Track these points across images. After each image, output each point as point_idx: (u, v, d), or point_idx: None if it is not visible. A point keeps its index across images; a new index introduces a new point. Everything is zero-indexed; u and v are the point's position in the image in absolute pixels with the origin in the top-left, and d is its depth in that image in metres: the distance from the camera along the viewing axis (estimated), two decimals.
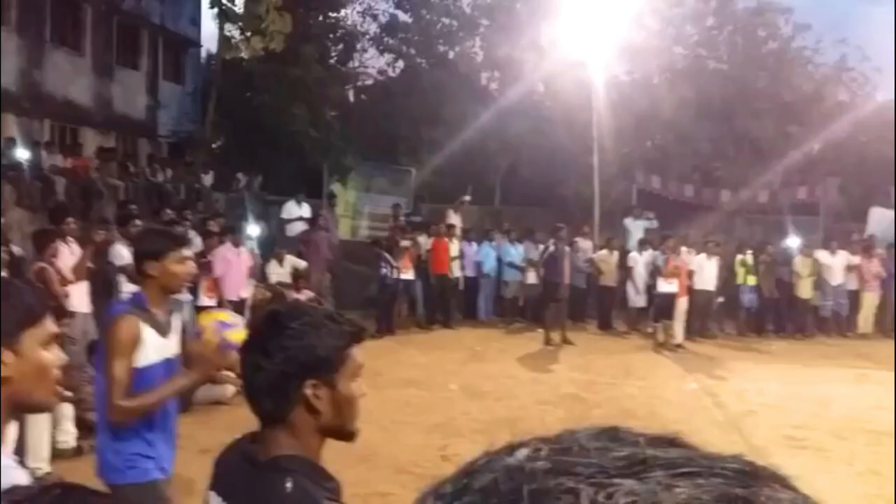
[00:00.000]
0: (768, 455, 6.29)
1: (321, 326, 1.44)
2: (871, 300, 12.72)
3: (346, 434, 1.51)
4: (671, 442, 0.43)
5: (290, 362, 1.40)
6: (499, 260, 13.06)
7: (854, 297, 12.79)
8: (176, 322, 2.89)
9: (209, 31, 19.07)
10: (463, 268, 12.66)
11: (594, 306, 12.83)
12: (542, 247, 11.94)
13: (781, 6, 19.88)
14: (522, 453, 0.42)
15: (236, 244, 8.92)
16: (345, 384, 1.45)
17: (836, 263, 12.62)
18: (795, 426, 7.18)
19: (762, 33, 19.84)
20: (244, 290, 8.64)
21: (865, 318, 12.81)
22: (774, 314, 12.63)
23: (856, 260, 12.70)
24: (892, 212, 14.48)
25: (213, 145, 18.02)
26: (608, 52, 15.53)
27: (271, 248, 10.63)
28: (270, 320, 1.46)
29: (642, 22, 16.85)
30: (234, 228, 9.34)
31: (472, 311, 12.94)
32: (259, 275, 9.77)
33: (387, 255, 11.17)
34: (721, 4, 19.67)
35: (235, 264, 8.75)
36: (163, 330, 2.78)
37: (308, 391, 1.41)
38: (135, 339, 2.66)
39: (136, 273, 2.84)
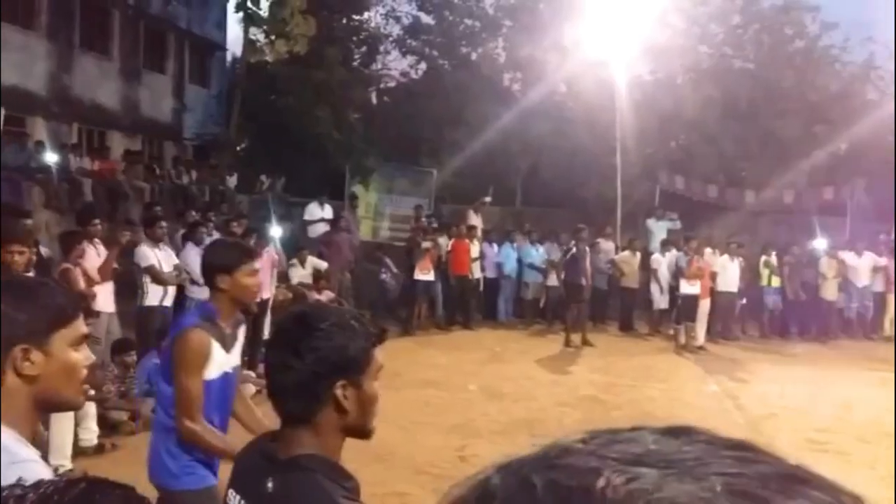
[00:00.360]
0: (790, 458, 6.23)
1: (349, 327, 1.47)
2: None
3: (366, 433, 1.54)
4: (739, 446, 0.42)
5: (321, 363, 1.43)
6: (519, 261, 13.05)
7: (880, 299, 12.59)
8: (240, 335, 2.87)
9: (234, 34, 19.37)
10: (483, 269, 12.67)
11: (615, 308, 12.78)
12: (563, 248, 11.93)
13: (808, 4, 19.59)
14: (579, 437, 0.43)
15: (259, 246, 9.02)
16: (369, 384, 1.49)
17: (862, 265, 12.43)
18: (818, 429, 7.11)
19: (789, 32, 19.57)
20: (267, 291, 8.74)
21: (891, 320, 12.60)
22: (798, 316, 12.47)
23: (882, 261, 12.49)
24: None
25: (238, 148, 18.23)
26: (631, 52, 15.44)
27: (294, 249, 10.74)
28: (299, 321, 1.49)
29: (666, 21, 16.73)
30: (258, 230, 9.45)
31: (492, 312, 12.95)
32: (282, 276, 9.89)
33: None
34: (747, 3, 19.43)
35: (259, 266, 8.85)
36: (228, 344, 2.77)
37: (338, 391, 1.44)
38: (206, 355, 2.65)
39: (208, 286, 2.80)
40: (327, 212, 12.79)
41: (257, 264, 2.86)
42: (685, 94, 17.45)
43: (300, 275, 10.29)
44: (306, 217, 12.72)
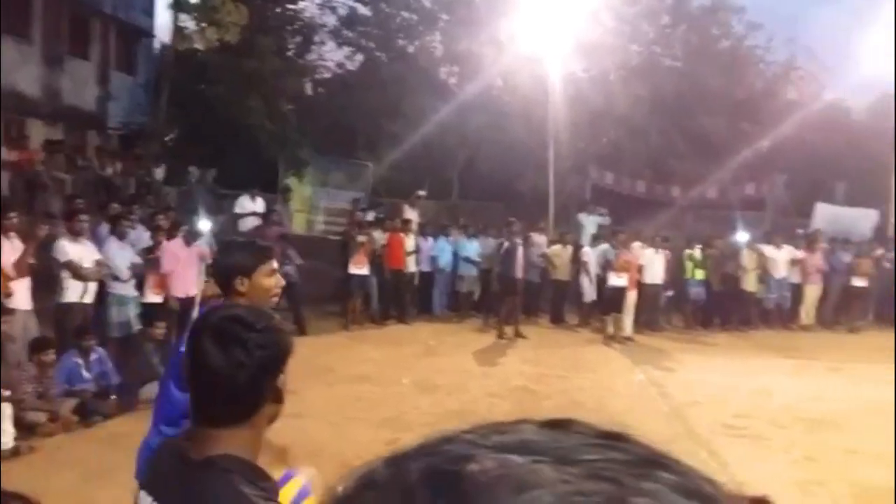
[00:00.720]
0: (710, 443, 6.49)
1: (278, 322, 1.55)
2: (813, 293, 13.13)
3: (275, 416, 1.58)
4: (611, 436, 0.43)
5: (270, 358, 1.47)
6: (454, 255, 13.12)
7: (797, 291, 13.20)
8: None
9: (163, 21, 18.74)
10: (418, 263, 12.69)
11: (547, 300, 13.00)
12: (496, 242, 12.06)
13: (734, 5, 20.31)
14: (464, 428, 0.44)
15: (186, 240, 8.82)
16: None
17: (781, 257, 12.99)
18: (737, 415, 7.38)
19: (716, 32, 20.26)
20: (193, 286, 8.55)
21: (807, 310, 13.22)
22: (720, 307, 12.93)
23: (799, 254, 13.09)
24: (836, 208, 14.95)
25: (166, 138, 17.72)
26: (565, 49, 15.69)
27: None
28: (238, 320, 1.50)
29: (598, 19, 17.06)
30: (185, 223, 9.22)
31: (426, 306, 12.98)
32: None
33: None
34: (676, 3, 20.01)
35: (185, 260, 8.64)
36: None
37: (279, 383, 1.51)
38: None
39: (223, 291, 2.67)
40: (259, 205, 12.57)
41: (275, 263, 2.73)
42: (615, 90, 17.86)
43: None
44: (237, 210, 12.48)
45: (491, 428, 0.44)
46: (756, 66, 20.34)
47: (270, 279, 2.67)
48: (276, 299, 2.76)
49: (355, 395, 7.68)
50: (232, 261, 2.71)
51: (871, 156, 16.02)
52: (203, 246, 8.96)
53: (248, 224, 12.07)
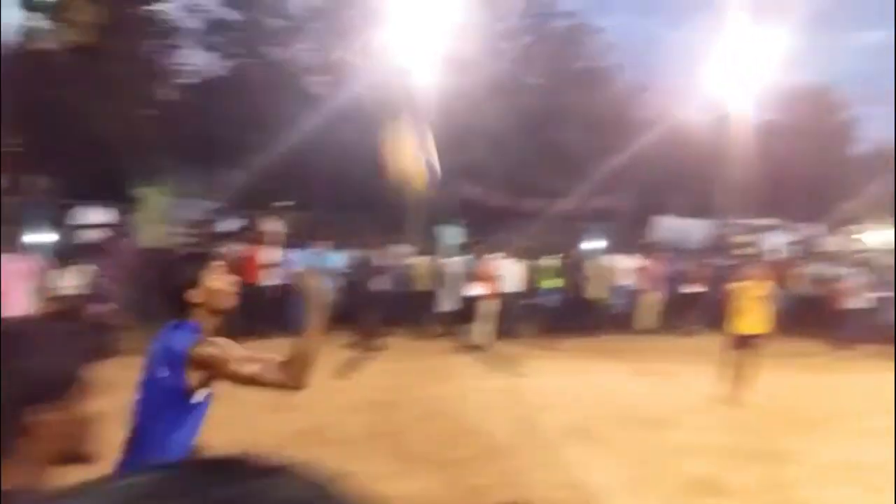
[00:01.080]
0: (558, 446, 6.78)
1: (56, 343, 1.39)
2: (654, 299, 14.04)
3: (81, 457, 1.44)
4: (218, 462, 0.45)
5: (22, 386, 1.32)
6: (316, 266, 12.95)
7: (639, 297, 14.01)
8: None
9: (10, 19, 17.40)
10: (277, 276, 12.42)
11: (408, 311, 13.08)
12: (357, 253, 12.06)
13: (592, 27, 21.44)
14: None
15: (18, 253, 8.23)
16: (78, 404, 1.40)
17: (626, 266, 13.83)
18: (583, 418, 7.72)
19: (574, 51, 21.27)
20: (23, 304, 7.98)
21: (650, 316, 14.10)
22: (572, 314, 13.50)
23: (642, 262, 13.98)
24: (678, 219, 16.10)
25: (7, 145, 16.43)
26: (433, 62, 15.96)
27: (66, 256, 9.88)
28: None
29: (466, 35, 17.50)
30: (19, 235, 8.60)
31: (284, 319, 12.69)
32: (48, 286, 9.06)
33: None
34: (538, 21, 20.87)
35: (15, 275, 8.07)
36: None
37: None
38: None
39: (180, 310, 2.59)
40: (106, 215, 11.91)
41: (217, 262, 2.67)
42: (480, 105, 18.35)
43: (71, 285, 9.50)
44: (81, 221, 11.77)
45: (102, 480, 0.46)
46: (611, 84, 21.55)
47: (220, 280, 2.63)
48: (233, 301, 2.70)
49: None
50: (175, 278, 2.65)
51: (706, 171, 17.41)
52: (35, 261, 8.39)
53: (94, 236, 11.41)
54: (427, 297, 12.92)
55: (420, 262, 13.02)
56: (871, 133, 29.00)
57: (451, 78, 19.08)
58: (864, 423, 8.15)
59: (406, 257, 13.20)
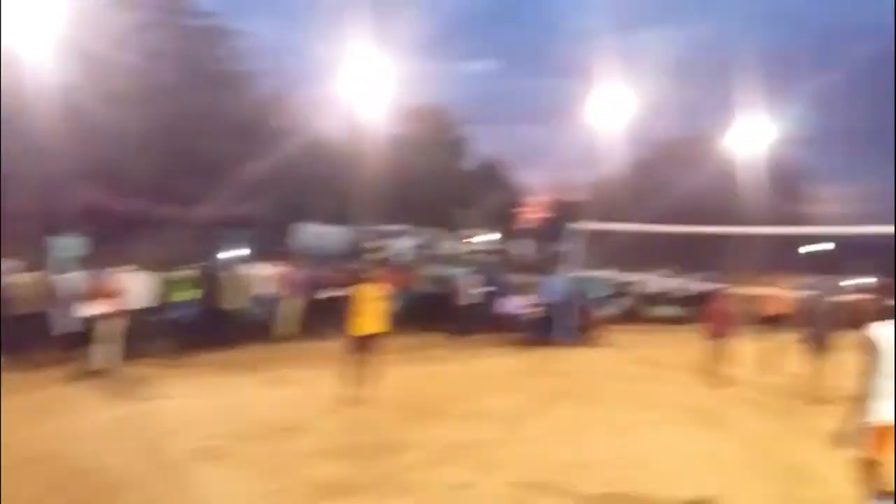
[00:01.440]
0: (185, 471, 6.39)
1: None
2: (294, 306, 14.23)
3: None
4: None
5: None
6: None
7: (278, 304, 14.07)
8: None
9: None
10: None
11: (12, 338, 11.12)
12: None
13: (230, 29, 20.92)
14: None
15: None
16: None
17: (265, 273, 13.83)
18: (212, 436, 7.42)
19: (210, 53, 20.59)
20: None
21: (290, 323, 14.23)
22: (209, 327, 12.96)
23: (281, 269, 14.10)
24: (318, 226, 16.64)
25: None
26: (63, 56, 14.06)
27: None
28: None
29: (92, 27, 15.71)
30: None
31: None
32: None
33: None
34: (172, 18, 19.70)
35: None
36: None
37: None
38: None
39: None
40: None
41: None
42: (108, 102, 16.72)
43: None
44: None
45: None
46: (250, 90, 21.35)
47: None
48: None
49: None
50: None
51: (343, 180, 18.32)
52: None
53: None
54: (37, 320, 11.22)
55: (26, 279, 11.31)
56: (479, 149, 33.99)
57: (71, 67, 17.00)
58: (473, 404, 9.31)
59: (9, 274, 11.37)
